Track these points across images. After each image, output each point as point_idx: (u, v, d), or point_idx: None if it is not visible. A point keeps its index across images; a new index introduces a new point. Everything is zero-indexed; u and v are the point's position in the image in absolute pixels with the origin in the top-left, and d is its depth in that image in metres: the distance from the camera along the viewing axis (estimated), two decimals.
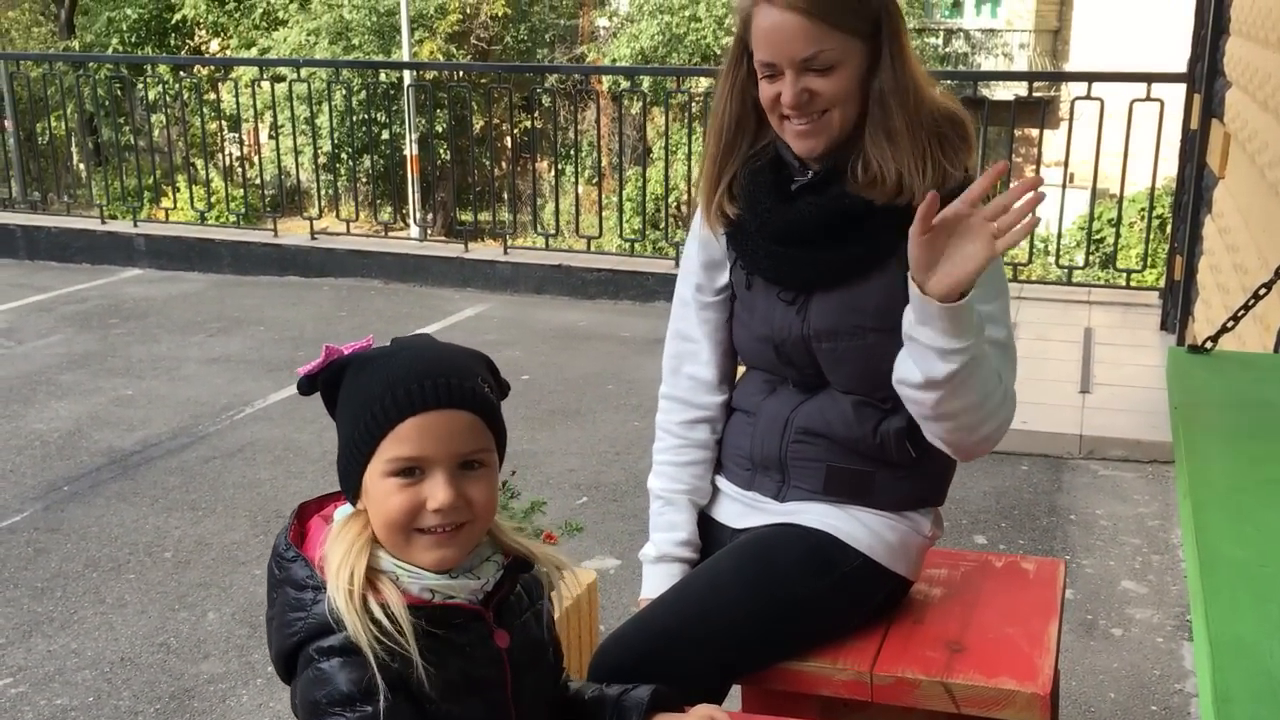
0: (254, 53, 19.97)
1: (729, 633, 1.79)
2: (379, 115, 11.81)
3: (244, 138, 17.15)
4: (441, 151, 13.20)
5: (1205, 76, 5.20)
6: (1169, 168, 6.57)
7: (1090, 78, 6.37)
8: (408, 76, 10.58)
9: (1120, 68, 7.28)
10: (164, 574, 3.54)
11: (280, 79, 9.93)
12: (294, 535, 1.42)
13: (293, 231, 8.04)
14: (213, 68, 10.87)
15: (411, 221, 13.54)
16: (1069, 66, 20.98)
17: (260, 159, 18.72)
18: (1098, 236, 11.63)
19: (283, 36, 20.08)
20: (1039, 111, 7.67)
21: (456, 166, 12.15)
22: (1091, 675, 2.99)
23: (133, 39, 21.70)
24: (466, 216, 13.23)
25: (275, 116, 11.91)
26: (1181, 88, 5.87)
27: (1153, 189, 6.74)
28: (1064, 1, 22.54)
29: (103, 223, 8.18)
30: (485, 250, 7.66)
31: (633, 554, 2.10)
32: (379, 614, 1.31)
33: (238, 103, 8.66)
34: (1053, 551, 3.64)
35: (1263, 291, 2.04)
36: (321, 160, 9.95)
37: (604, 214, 9.41)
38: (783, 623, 1.81)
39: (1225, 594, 1.21)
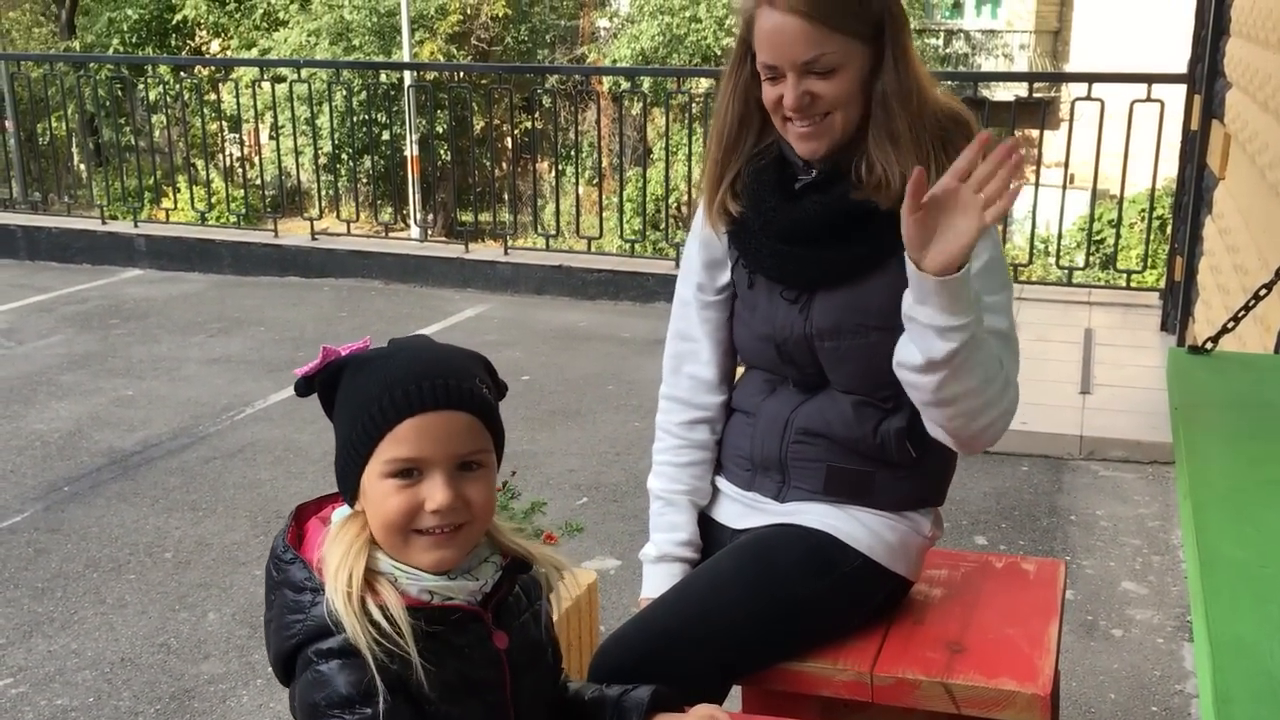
0: (254, 53, 19.98)
1: (729, 633, 1.79)
2: (379, 116, 11.81)
3: (244, 138, 17.16)
4: (442, 152, 13.20)
5: (1205, 77, 5.21)
6: (1169, 168, 6.57)
7: (1090, 78, 6.38)
8: (408, 77, 10.58)
9: (1120, 68, 7.28)
10: (164, 574, 3.54)
11: (281, 79, 9.94)
12: (292, 537, 1.42)
13: (293, 232, 8.04)
14: (213, 68, 10.87)
15: (412, 222, 13.55)
16: (1069, 67, 20.99)
17: (261, 159, 18.73)
18: (1098, 237, 11.63)
19: (283, 37, 20.09)
20: (1039, 112, 7.67)
21: (457, 167, 12.15)
22: (1092, 676, 2.99)
23: (133, 39, 21.71)
24: (467, 217, 13.23)
25: (276, 117, 11.93)
26: (1182, 89, 5.87)
27: (1153, 190, 6.74)
28: (1064, 2, 22.55)
29: (103, 223, 8.18)
30: (486, 251, 7.66)
31: (633, 554, 2.10)
32: (378, 616, 1.31)
33: (238, 103, 8.66)
34: (1053, 552, 3.64)
35: (1263, 292, 2.04)
36: (322, 161, 9.95)
37: (604, 215, 9.41)
38: (783, 623, 1.81)
39: (1225, 595, 1.21)
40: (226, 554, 3.67)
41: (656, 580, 1.93)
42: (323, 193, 8.53)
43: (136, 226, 8.10)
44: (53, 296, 7.04)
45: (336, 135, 8.85)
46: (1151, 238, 7.52)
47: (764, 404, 1.94)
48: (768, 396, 1.94)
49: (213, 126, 9.03)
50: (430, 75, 11.36)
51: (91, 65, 9.94)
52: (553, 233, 8.47)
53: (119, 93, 13.44)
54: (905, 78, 1.76)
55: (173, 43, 22.29)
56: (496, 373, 1.45)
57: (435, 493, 1.34)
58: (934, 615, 1.95)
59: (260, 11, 21.39)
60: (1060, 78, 18.39)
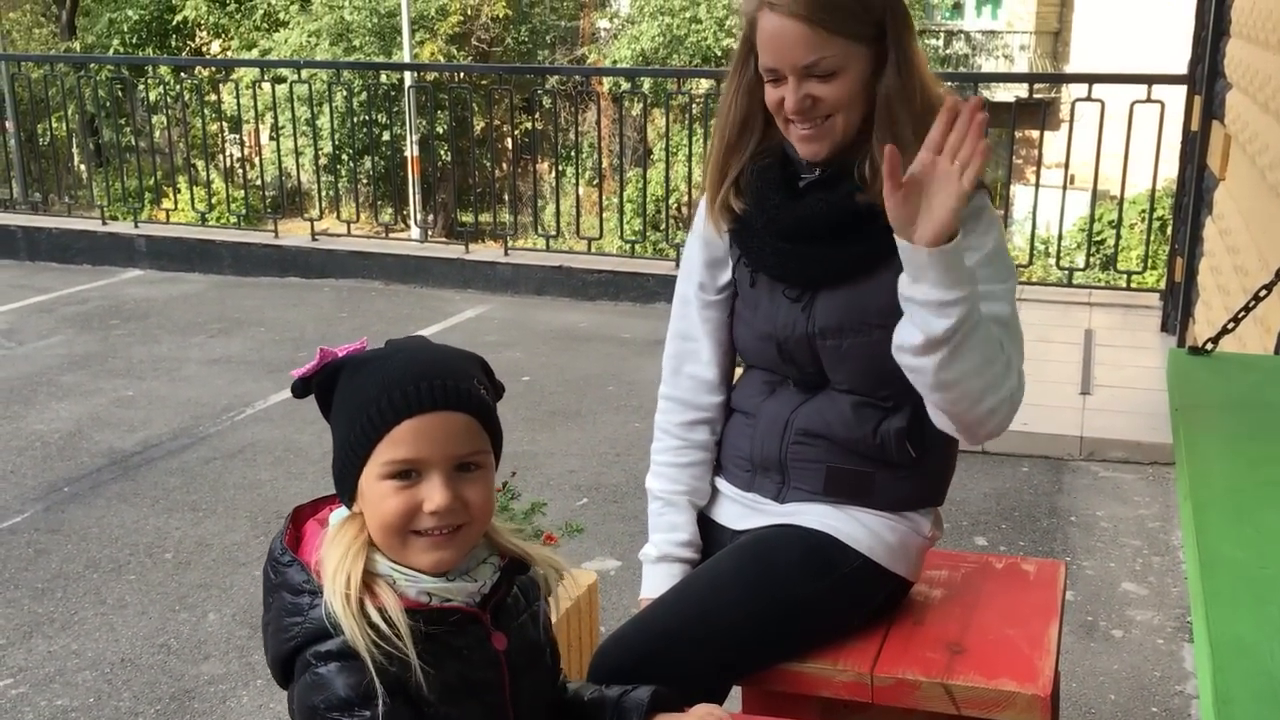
0: (255, 54, 19.99)
1: (729, 633, 1.79)
2: (380, 116, 11.82)
3: (245, 139, 17.18)
4: (442, 153, 13.20)
5: (1206, 78, 5.21)
6: (1169, 169, 6.57)
7: (1091, 79, 6.38)
8: (408, 78, 10.58)
9: (1121, 69, 7.28)
10: (164, 575, 3.54)
11: (281, 80, 9.94)
12: (289, 539, 1.42)
13: (293, 233, 8.04)
14: (214, 69, 10.88)
15: (412, 223, 13.54)
16: (1069, 68, 20.99)
17: (261, 160, 18.73)
18: (1098, 238, 11.63)
19: (284, 38, 20.09)
20: (1039, 113, 7.68)
21: (457, 168, 12.16)
22: (1092, 677, 2.99)
23: (134, 40, 21.72)
24: (467, 218, 13.23)
25: (276, 118, 11.93)
26: (1182, 89, 5.87)
27: (1153, 191, 6.74)
28: (1064, 3, 22.55)
29: (104, 224, 8.18)
30: (486, 251, 7.66)
31: (633, 555, 2.10)
32: (376, 618, 1.31)
33: (238, 104, 8.66)
34: (1053, 553, 3.64)
35: (1263, 293, 2.04)
36: (322, 161, 9.95)
37: (604, 215, 9.41)
38: (783, 624, 1.81)
39: (1226, 595, 1.21)
40: (227, 554, 3.67)
41: (656, 580, 1.93)
42: (323, 193, 8.53)
43: (137, 227, 8.11)
44: (53, 297, 7.04)
45: (337, 136, 8.85)
46: (1152, 239, 7.53)
47: (764, 405, 1.94)
48: (767, 397, 1.94)
49: (213, 127, 9.04)
50: (430, 76, 11.36)
51: (92, 66, 9.95)
52: (553, 233, 8.47)
53: (119, 93, 13.44)
54: (908, 79, 1.76)
55: (173, 43, 22.30)
56: (494, 373, 1.45)
57: (434, 494, 1.34)
58: (934, 616, 1.95)
59: (261, 12, 21.39)
60: (1060, 79, 18.39)
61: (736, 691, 1.92)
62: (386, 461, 1.34)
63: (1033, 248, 8.49)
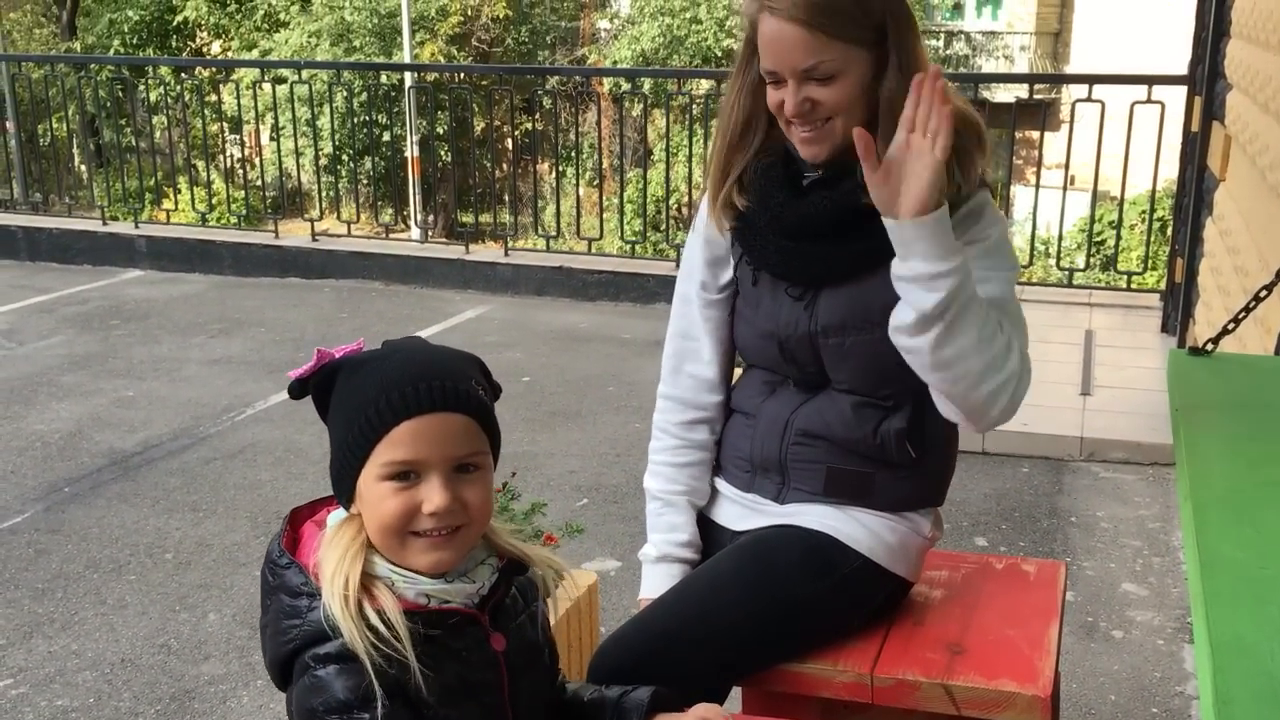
0: (255, 54, 19.99)
1: (729, 634, 1.79)
2: (380, 117, 11.82)
3: (245, 139, 17.19)
4: (442, 153, 13.20)
5: (1206, 79, 5.21)
6: (1170, 170, 6.57)
7: (1091, 80, 6.38)
8: (409, 78, 10.59)
9: (1121, 70, 7.29)
10: (165, 575, 3.54)
11: (281, 81, 9.94)
12: (287, 541, 1.41)
13: (294, 233, 8.04)
14: (214, 69, 10.88)
15: (412, 223, 13.54)
16: (1070, 69, 20.99)
17: (261, 160, 18.73)
18: (1098, 239, 11.63)
19: (284, 38, 20.09)
20: (1040, 114, 7.68)
21: (457, 168, 12.16)
22: (1092, 677, 2.99)
23: (134, 41, 21.72)
24: (467, 218, 13.24)
25: (276, 118, 11.93)
26: (1182, 90, 5.87)
27: (1154, 191, 6.74)
28: (1065, 4, 22.55)
29: (104, 224, 8.19)
30: (486, 252, 7.66)
31: (633, 556, 2.10)
32: (375, 620, 1.30)
33: (239, 104, 8.67)
34: (1053, 553, 3.64)
35: (1263, 294, 2.04)
36: (322, 162, 9.95)
37: (605, 216, 9.42)
38: (783, 624, 1.81)
39: (1226, 596, 1.21)
40: (227, 555, 3.67)
41: (656, 581, 1.93)
42: (323, 194, 8.53)
43: (137, 227, 8.11)
44: (53, 297, 7.05)
45: (337, 136, 8.85)
46: (1152, 239, 7.53)
47: (764, 405, 1.94)
48: (768, 398, 1.94)
49: (213, 128, 9.04)
50: (431, 76, 11.36)
51: (92, 66, 9.95)
52: (553, 234, 8.46)
53: (120, 94, 13.44)
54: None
55: (173, 44, 22.30)
56: (491, 374, 1.45)
57: (433, 495, 1.33)
58: (934, 616, 1.95)
59: (261, 13, 21.39)
60: (1061, 79, 18.38)
61: (736, 692, 1.92)
62: (385, 463, 1.34)
63: (1033, 248, 8.50)
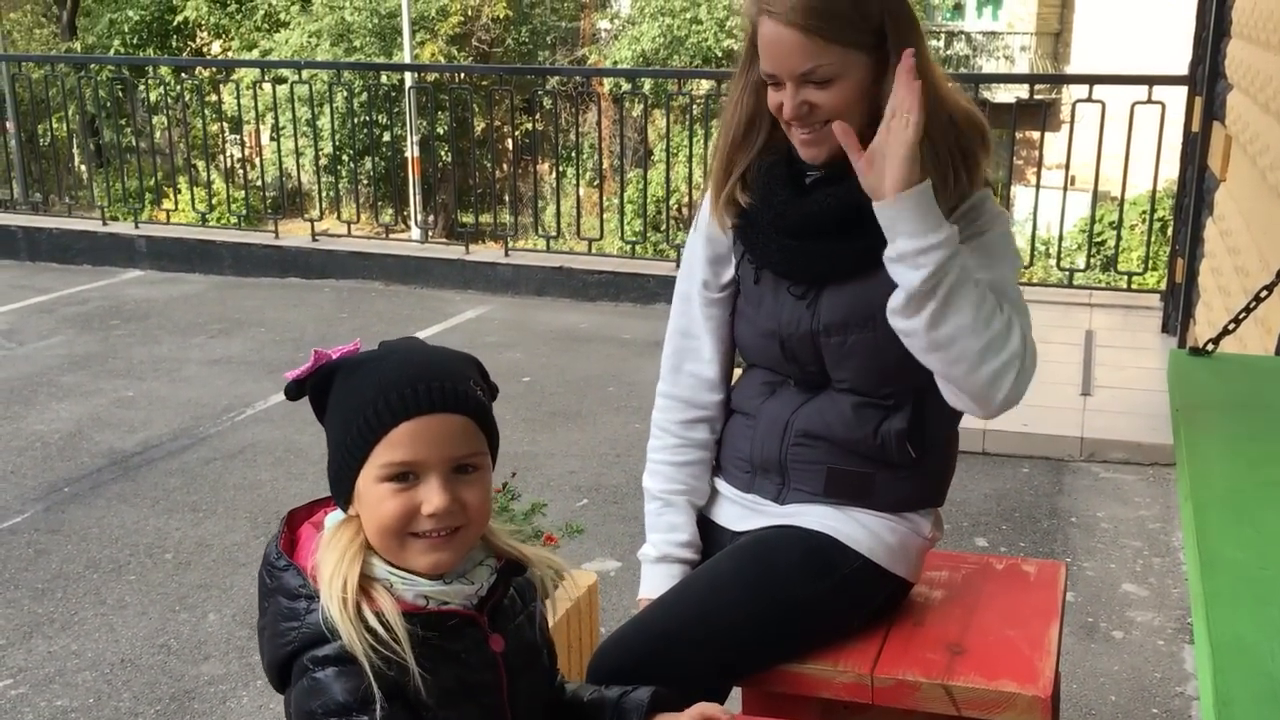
0: (255, 54, 19.99)
1: (729, 634, 1.78)
2: (380, 117, 11.82)
3: (245, 139, 17.18)
4: (443, 153, 13.20)
5: (1206, 79, 5.20)
6: (1170, 170, 6.57)
7: (1091, 80, 6.38)
8: (409, 78, 10.59)
9: (1121, 70, 7.28)
10: (164, 575, 3.54)
11: (281, 81, 9.94)
12: (284, 543, 1.41)
13: (294, 233, 8.04)
14: (214, 69, 10.88)
15: (412, 223, 13.54)
16: (1070, 69, 20.98)
17: (261, 161, 18.73)
18: (1099, 239, 11.63)
19: (284, 38, 20.09)
20: (1040, 114, 7.68)
21: (457, 168, 12.16)
22: (1092, 678, 2.99)
23: (134, 41, 21.73)
24: (467, 218, 13.24)
25: (276, 118, 11.92)
26: (1183, 90, 5.86)
27: (1154, 191, 6.74)
28: (1065, 4, 22.55)
29: (104, 224, 8.19)
30: (486, 252, 7.66)
31: (633, 556, 2.10)
32: (374, 622, 1.30)
33: (239, 104, 8.67)
34: (1053, 554, 3.64)
35: (1264, 294, 2.04)
36: (323, 162, 9.95)
37: (605, 216, 9.41)
38: (783, 625, 1.80)
39: (1226, 596, 1.21)
40: (227, 555, 3.67)
41: (656, 580, 1.93)
42: (323, 194, 8.53)
43: (137, 227, 8.11)
44: (53, 297, 7.05)
45: (337, 136, 8.85)
46: (1152, 239, 7.53)
47: (764, 406, 1.93)
48: (768, 398, 1.94)
49: (213, 128, 9.04)
50: (431, 76, 11.36)
51: (92, 66, 9.95)
52: (553, 234, 8.46)
53: (120, 94, 13.44)
54: None
55: (174, 44, 22.30)
56: (488, 374, 1.44)
57: (432, 496, 1.33)
58: (934, 617, 1.94)
59: (261, 13, 21.39)
60: (1061, 79, 18.38)
61: (736, 693, 1.92)
62: (384, 464, 1.33)
63: (1033, 249, 8.50)
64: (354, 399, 1.35)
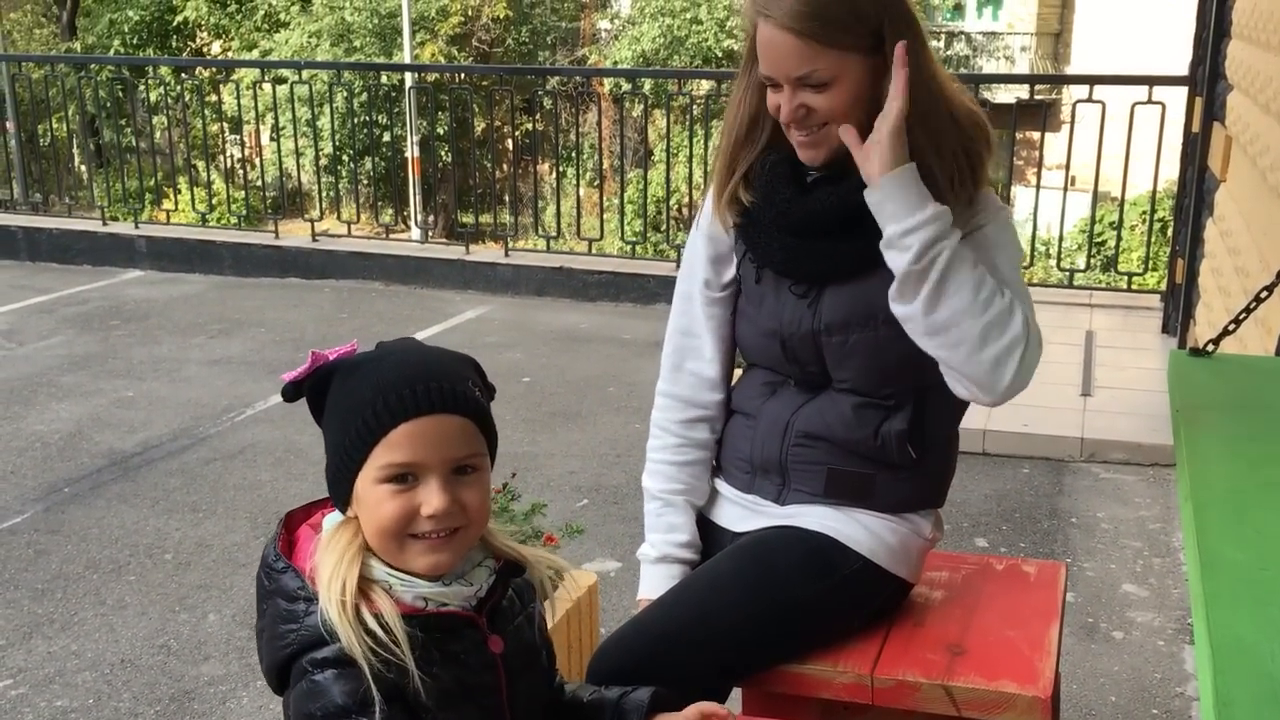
0: (255, 55, 19.99)
1: (729, 635, 1.78)
2: (380, 117, 11.82)
3: (245, 139, 17.18)
4: (443, 153, 13.20)
5: (1206, 79, 5.20)
6: (1170, 171, 6.57)
7: (1092, 80, 6.38)
8: (409, 78, 10.59)
9: (1122, 71, 7.28)
10: (164, 575, 3.54)
11: (282, 81, 9.94)
12: (282, 545, 1.40)
13: (294, 233, 8.04)
14: (214, 69, 10.88)
15: (412, 223, 13.54)
16: (1070, 69, 20.98)
17: (261, 161, 18.73)
18: (1099, 239, 11.63)
19: (284, 38, 20.08)
20: (1040, 114, 7.68)
21: (458, 168, 12.16)
22: (1092, 678, 2.99)
23: (134, 41, 21.72)
24: (467, 218, 13.24)
25: (276, 118, 11.92)
26: (1183, 91, 5.86)
27: (1154, 192, 6.74)
28: (1065, 4, 22.54)
29: (104, 224, 8.19)
30: (486, 252, 7.66)
31: (633, 556, 2.10)
32: (373, 624, 1.29)
33: (239, 105, 8.67)
34: (1054, 554, 3.64)
35: (1264, 294, 2.04)
36: (323, 162, 9.95)
37: (605, 216, 9.41)
38: (783, 625, 1.80)
39: (1226, 597, 1.21)
40: (226, 555, 3.67)
41: (655, 581, 1.93)
42: (323, 194, 8.53)
43: (137, 228, 8.11)
44: (53, 298, 7.04)
45: (337, 137, 8.85)
46: (1152, 240, 7.53)
47: (764, 406, 1.93)
48: (768, 398, 1.93)
49: (214, 128, 9.04)
50: (431, 77, 11.35)
51: (92, 66, 9.96)
52: (553, 234, 8.46)
53: (120, 94, 13.45)
54: (915, 87, 1.74)
55: (174, 44, 22.29)
56: (485, 374, 1.44)
57: (431, 497, 1.33)
58: (934, 617, 1.94)
59: (261, 13, 21.39)
60: (1061, 80, 18.37)
61: (737, 693, 1.91)
62: (383, 465, 1.33)
63: (1033, 249, 8.49)
64: (352, 400, 1.35)
